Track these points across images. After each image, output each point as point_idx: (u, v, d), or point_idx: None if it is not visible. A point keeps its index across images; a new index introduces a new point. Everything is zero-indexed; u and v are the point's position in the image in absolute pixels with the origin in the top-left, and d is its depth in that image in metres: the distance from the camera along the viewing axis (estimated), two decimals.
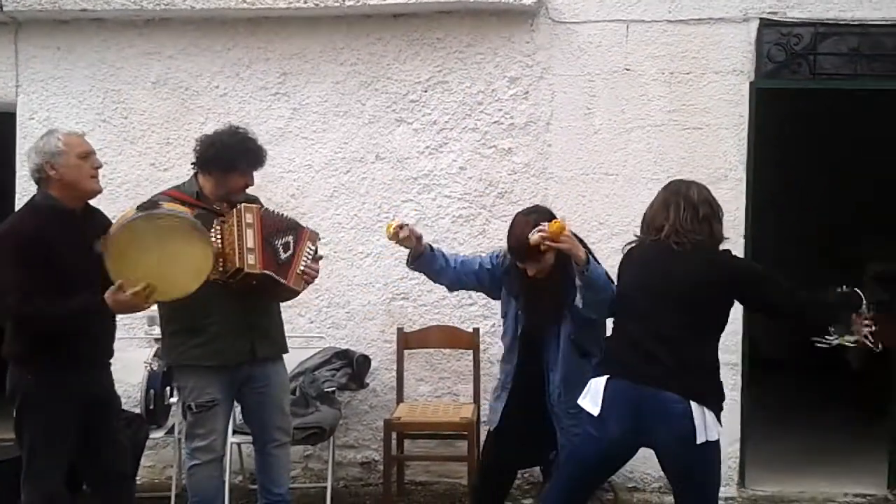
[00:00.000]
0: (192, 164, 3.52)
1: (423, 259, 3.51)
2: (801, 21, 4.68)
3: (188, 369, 3.47)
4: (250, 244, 3.29)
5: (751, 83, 4.67)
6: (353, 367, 4.64)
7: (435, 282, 3.69)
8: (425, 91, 4.84)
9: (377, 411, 4.85)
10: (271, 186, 4.74)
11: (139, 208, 3.14)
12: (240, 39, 4.88)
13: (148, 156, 4.95)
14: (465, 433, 4.33)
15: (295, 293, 3.52)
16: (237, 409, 3.84)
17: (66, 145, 3.17)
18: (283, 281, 3.38)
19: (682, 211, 3.08)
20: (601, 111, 4.75)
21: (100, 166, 3.27)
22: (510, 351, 3.58)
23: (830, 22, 4.68)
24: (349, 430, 4.89)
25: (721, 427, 3.01)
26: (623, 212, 4.62)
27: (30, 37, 4.98)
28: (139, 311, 3.23)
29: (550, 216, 3.33)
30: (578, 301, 3.20)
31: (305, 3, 4.71)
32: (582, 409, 3.11)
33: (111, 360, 3.41)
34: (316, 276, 3.56)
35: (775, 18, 4.68)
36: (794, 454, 5.20)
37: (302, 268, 3.46)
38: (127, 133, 4.96)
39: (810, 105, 6.34)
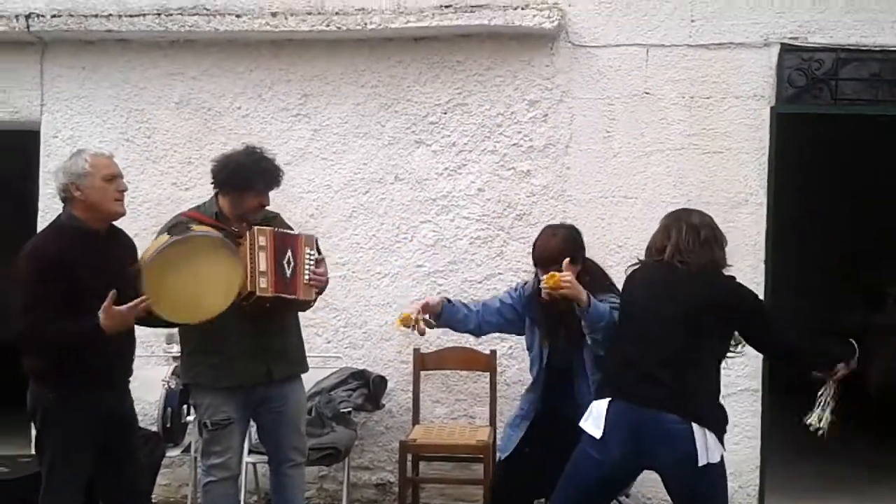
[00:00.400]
0: (211, 183, 3.55)
1: (445, 315, 3.51)
2: (822, 46, 4.67)
3: (204, 388, 3.49)
4: (262, 267, 3.31)
5: (771, 108, 4.65)
6: (370, 387, 4.63)
7: (461, 332, 3.69)
8: (445, 113, 4.86)
9: (393, 432, 4.83)
10: (291, 206, 4.75)
11: (170, 232, 3.17)
12: (262, 61, 4.94)
13: (170, 175, 4.99)
14: (481, 456, 4.30)
15: (308, 303, 3.53)
16: (253, 427, 3.85)
17: (93, 167, 3.19)
18: (292, 297, 3.39)
19: (683, 233, 3.12)
20: (620, 134, 4.75)
21: (125, 189, 3.29)
22: (536, 381, 3.59)
23: (852, 48, 4.66)
24: (364, 452, 4.88)
25: (724, 450, 3.00)
26: (642, 235, 4.53)
27: (55, 57, 5.06)
28: (128, 326, 3.18)
29: (576, 233, 3.47)
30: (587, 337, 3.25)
31: (328, 26, 4.76)
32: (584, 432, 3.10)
33: (130, 379, 3.42)
34: (324, 281, 3.54)
35: (796, 44, 4.67)
36: (815, 481, 5.13)
37: (307, 277, 3.44)
38: (150, 152, 5.02)
39: (832, 130, 6.33)
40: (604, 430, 3.01)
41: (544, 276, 3.21)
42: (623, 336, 3.16)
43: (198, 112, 4.98)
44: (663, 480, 3.06)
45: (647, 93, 4.73)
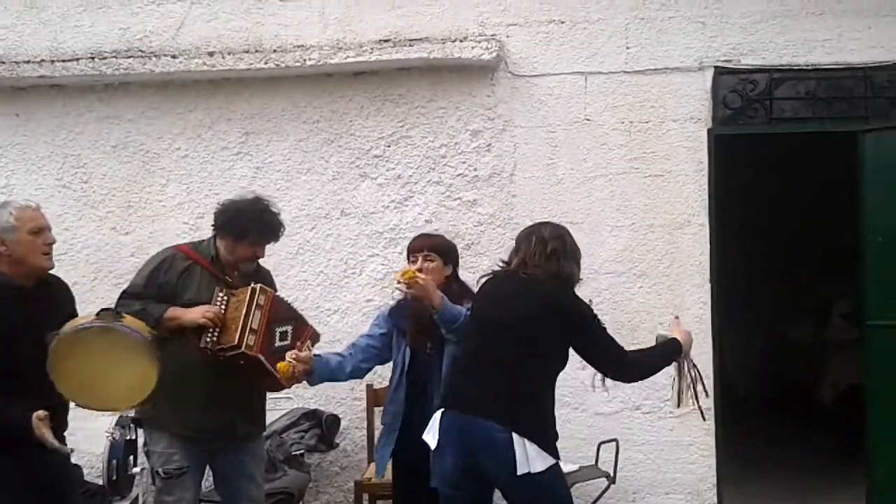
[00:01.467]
0: (211, 225, 3.50)
1: (317, 371, 3.34)
2: (755, 67, 4.77)
3: (159, 432, 3.39)
4: (255, 325, 3.25)
5: (709, 130, 4.73)
6: (323, 427, 4.55)
7: (343, 380, 3.59)
8: (388, 146, 4.86)
9: (348, 472, 4.75)
10: None
11: (98, 314, 3.06)
12: (200, 101, 4.89)
13: (109, 220, 4.89)
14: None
15: (278, 388, 3.44)
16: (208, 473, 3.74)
17: (18, 220, 3.07)
18: (271, 370, 3.25)
19: (532, 246, 3.15)
20: (563, 161, 4.79)
21: (52, 242, 3.16)
22: (397, 388, 3.43)
23: (785, 67, 4.77)
24: (320, 493, 4.78)
25: (555, 460, 2.95)
26: (588, 259, 4.54)
27: None
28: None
29: (453, 245, 3.54)
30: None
31: (266, 63, 4.74)
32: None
33: (65, 434, 3.29)
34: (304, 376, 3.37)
35: (730, 66, 4.77)
36: (772, 497, 5.16)
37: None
38: (87, 198, 4.92)
39: (771, 149, 6.47)
40: (438, 439, 3.02)
41: (400, 269, 3.25)
42: (465, 345, 3.19)
43: (136, 155, 4.90)
44: (500, 491, 3.05)
45: (587, 119, 4.79)
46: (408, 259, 3.51)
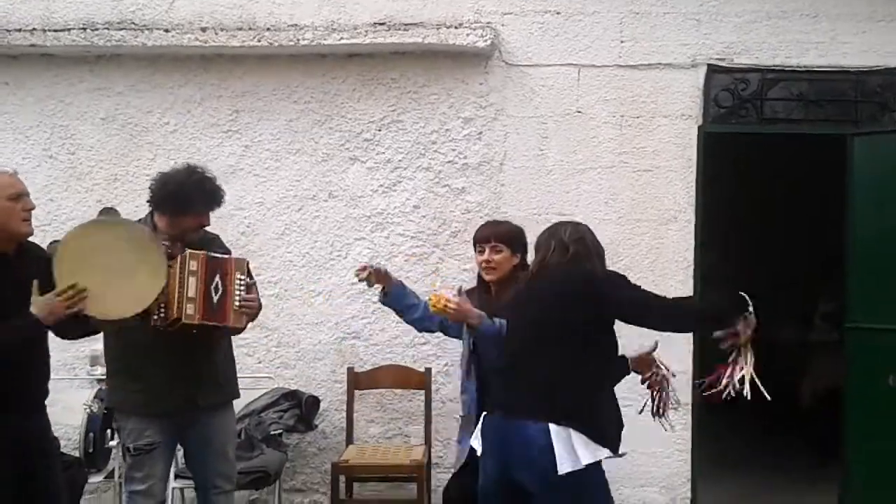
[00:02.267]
0: (147, 201, 3.42)
1: (394, 293, 3.52)
2: (748, 67, 4.78)
3: (127, 412, 3.37)
4: (191, 293, 3.18)
5: (699, 127, 4.74)
6: (302, 408, 4.55)
7: (406, 319, 3.63)
8: (379, 130, 4.84)
9: (326, 454, 4.76)
10: (221, 224, 4.57)
11: (101, 213, 3.05)
12: (192, 77, 4.85)
13: (95, 192, 4.86)
14: (416, 476, 4.25)
15: (238, 330, 3.41)
16: (180, 451, 3.74)
17: None
18: (221, 325, 3.26)
19: (551, 250, 3.05)
20: (553, 152, 4.79)
21: (32, 208, 3.12)
22: (468, 374, 3.39)
23: (777, 68, 4.79)
24: (297, 474, 4.79)
25: (609, 454, 2.77)
26: None
27: None
28: (61, 316, 2.99)
29: (521, 230, 3.48)
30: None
31: (259, 41, 4.71)
32: None
33: (45, 403, 3.29)
34: (255, 307, 3.40)
35: (723, 65, 4.77)
36: (746, 494, 5.20)
37: (237, 303, 3.29)
38: (74, 169, 4.89)
39: (760, 149, 6.48)
40: (482, 445, 2.93)
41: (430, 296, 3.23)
42: (504, 350, 3.06)
43: (124, 128, 4.87)
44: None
45: (579, 111, 4.78)
46: (474, 249, 3.51)
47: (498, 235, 3.43)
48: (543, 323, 2.89)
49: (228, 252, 3.51)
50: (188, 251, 3.26)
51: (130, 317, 3.10)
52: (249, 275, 3.44)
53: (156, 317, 3.18)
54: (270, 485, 4.31)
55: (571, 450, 2.67)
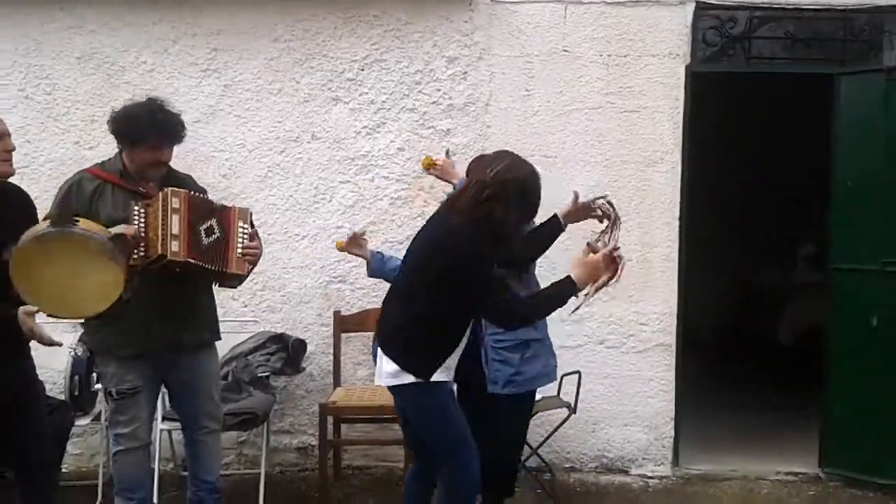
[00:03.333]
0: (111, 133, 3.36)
1: (374, 266, 3.86)
2: (737, 4, 4.71)
3: (108, 355, 3.35)
4: (175, 230, 3.15)
5: (686, 67, 4.69)
6: (289, 351, 4.55)
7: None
8: (362, 69, 4.75)
9: (314, 396, 4.77)
10: (202, 166, 4.60)
11: (53, 223, 3.00)
12: (166, 14, 4.71)
13: (72, 133, 4.76)
14: None
15: (240, 277, 3.40)
16: (167, 394, 3.74)
17: None
18: (208, 267, 3.25)
19: (469, 189, 3.06)
20: (540, 93, 4.72)
21: (12, 149, 3.10)
22: None
23: (766, 6, 4.72)
24: (285, 416, 4.81)
25: (419, 378, 3.05)
26: (561, 195, 4.52)
27: None
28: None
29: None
30: None
31: None
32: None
33: (27, 349, 3.26)
34: (257, 255, 3.42)
35: (712, 2, 4.70)
36: (728, 434, 5.29)
37: (240, 250, 3.33)
38: (50, 110, 4.77)
39: (748, 88, 6.44)
40: None
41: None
42: None
43: (100, 67, 4.74)
44: None
45: (565, 50, 4.71)
46: None
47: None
48: (406, 263, 3.21)
49: (203, 192, 3.48)
50: (169, 189, 3.22)
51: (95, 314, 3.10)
52: (251, 224, 3.44)
53: (135, 256, 3.14)
54: (258, 426, 4.32)
55: (384, 371, 3.15)
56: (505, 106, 4.74)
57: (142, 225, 3.15)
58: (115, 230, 3.10)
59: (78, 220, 3.02)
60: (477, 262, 2.97)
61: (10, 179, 3.24)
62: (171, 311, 3.31)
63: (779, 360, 6.63)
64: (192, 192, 3.32)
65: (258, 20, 4.72)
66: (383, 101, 4.77)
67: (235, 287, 3.58)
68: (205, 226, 3.27)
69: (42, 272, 2.95)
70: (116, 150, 3.39)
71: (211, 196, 3.51)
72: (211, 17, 4.72)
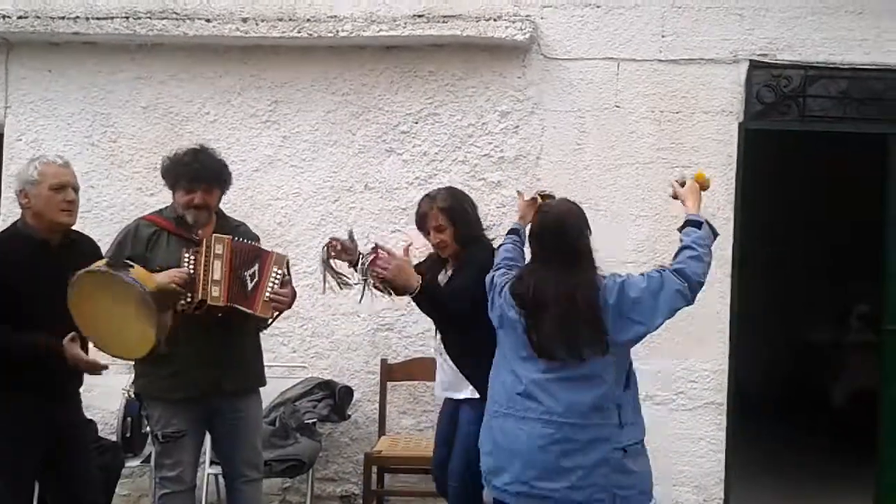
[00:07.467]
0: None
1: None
2: (791, 63, 4.72)
3: (155, 399, 3.40)
4: (216, 276, 3.22)
5: (740, 123, 4.69)
6: (336, 398, 4.58)
7: None
8: (416, 122, 4.85)
9: (358, 444, 4.78)
10: (258, 214, 4.72)
11: (108, 263, 3.09)
12: (231, 67, 4.89)
13: (135, 180, 4.92)
14: None
15: (264, 321, 3.42)
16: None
17: (42, 175, 3.13)
18: (249, 311, 3.29)
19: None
20: (591, 147, 4.76)
21: (72, 200, 3.18)
22: None
23: (820, 65, 4.72)
24: (329, 463, 4.82)
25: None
26: (610, 248, 4.55)
27: (21, 58, 4.98)
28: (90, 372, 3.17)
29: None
30: None
31: (298, 32, 4.73)
32: None
33: (79, 390, 3.33)
34: (286, 302, 3.40)
35: (765, 60, 4.71)
36: (779, 497, 5.15)
37: (268, 295, 3.32)
38: (115, 157, 4.94)
39: (801, 146, 6.39)
40: None
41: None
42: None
43: (165, 117, 4.92)
44: None
45: (617, 106, 4.75)
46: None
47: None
48: None
49: (256, 239, 3.54)
50: (214, 235, 3.30)
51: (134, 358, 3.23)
52: (288, 271, 3.47)
53: (183, 303, 3.21)
54: (303, 473, 4.34)
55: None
56: (556, 159, 4.79)
57: (190, 270, 3.22)
58: (162, 276, 3.15)
59: (132, 266, 3.08)
60: None
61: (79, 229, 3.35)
62: (214, 356, 3.34)
63: (832, 421, 6.46)
64: (237, 238, 3.36)
65: (318, 74, 4.86)
66: (436, 153, 4.85)
67: (262, 330, 3.56)
68: (249, 271, 3.31)
69: (95, 307, 3.03)
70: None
71: (265, 243, 3.57)
72: (274, 70, 4.88)
